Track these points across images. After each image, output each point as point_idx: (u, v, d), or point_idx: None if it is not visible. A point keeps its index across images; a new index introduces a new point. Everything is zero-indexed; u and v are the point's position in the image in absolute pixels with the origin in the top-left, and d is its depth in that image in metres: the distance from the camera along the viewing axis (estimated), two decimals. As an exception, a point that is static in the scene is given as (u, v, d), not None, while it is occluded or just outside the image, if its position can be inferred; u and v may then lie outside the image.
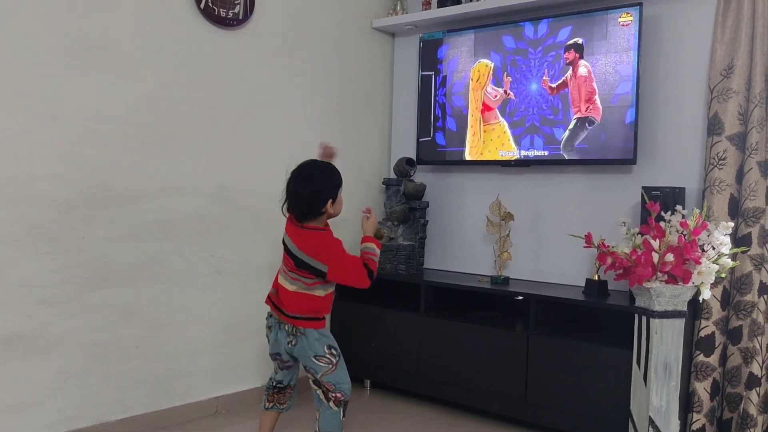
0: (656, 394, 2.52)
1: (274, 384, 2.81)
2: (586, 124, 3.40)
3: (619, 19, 3.27)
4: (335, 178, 2.62)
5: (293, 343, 2.60)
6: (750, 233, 2.89)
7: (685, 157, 3.20)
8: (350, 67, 4.08)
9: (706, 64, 3.11)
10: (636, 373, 2.63)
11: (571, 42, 3.44)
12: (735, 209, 2.96)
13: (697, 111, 3.16)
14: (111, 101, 2.96)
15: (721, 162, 2.97)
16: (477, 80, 3.80)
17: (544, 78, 3.53)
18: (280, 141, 3.66)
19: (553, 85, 3.50)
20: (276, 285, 2.68)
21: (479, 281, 3.63)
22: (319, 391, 2.63)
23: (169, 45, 3.16)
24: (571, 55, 3.45)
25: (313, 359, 2.58)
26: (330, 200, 2.57)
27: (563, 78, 3.47)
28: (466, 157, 3.86)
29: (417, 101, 4.08)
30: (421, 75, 4.03)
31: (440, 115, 3.95)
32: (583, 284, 3.38)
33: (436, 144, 3.97)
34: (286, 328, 2.61)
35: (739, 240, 2.90)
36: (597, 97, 3.35)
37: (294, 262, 2.59)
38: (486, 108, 3.76)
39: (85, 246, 2.89)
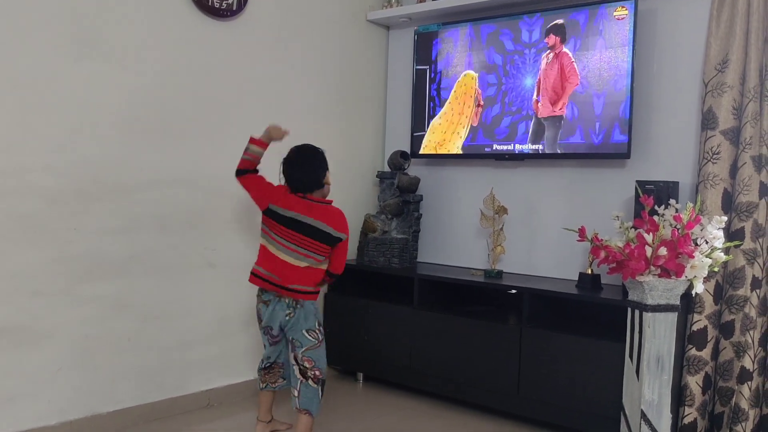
0: (648, 388, 2.52)
1: (263, 365, 2.93)
2: (557, 123, 3.45)
3: (614, 13, 3.26)
4: (321, 151, 2.87)
5: (291, 315, 2.74)
6: (743, 228, 2.90)
7: (679, 152, 3.20)
8: (345, 60, 4.06)
9: (700, 58, 3.10)
10: (628, 366, 2.63)
11: (551, 25, 3.47)
12: (728, 204, 2.97)
13: (692, 105, 3.16)
14: (104, 92, 2.94)
15: (714, 156, 2.97)
16: (463, 92, 3.84)
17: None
18: (273, 133, 3.64)
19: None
20: (269, 263, 2.77)
21: (473, 275, 3.63)
22: (296, 368, 2.77)
23: (163, 36, 3.14)
24: (551, 39, 3.46)
25: (304, 332, 2.76)
26: (327, 171, 2.84)
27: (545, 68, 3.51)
28: (420, 150, 3.97)
29: (411, 94, 4.06)
30: (416, 68, 4.02)
31: (434, 107, 3.94)
32: (577, 278, 3.38)
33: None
34: (286, 301, 2.76)
35: (732, 234, 2.90)
36: (575, 88, 3.39)
37: (309, 237, 2.73)
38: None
39: (77, 238, 2.87)
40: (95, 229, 2.93)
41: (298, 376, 2.78)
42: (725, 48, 2.97)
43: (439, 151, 3.92)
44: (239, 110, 3.48)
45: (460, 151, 3.82)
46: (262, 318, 2.83)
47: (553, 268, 3.60)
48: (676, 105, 3.22)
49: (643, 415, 2.52)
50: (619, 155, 3.28)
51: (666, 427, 2.54)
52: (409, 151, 4.02)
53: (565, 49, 3.43)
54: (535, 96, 3.52)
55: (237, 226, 3.49)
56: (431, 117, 3.96)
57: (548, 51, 3.48)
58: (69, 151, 2.84)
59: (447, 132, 3.88)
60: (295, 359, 2.79)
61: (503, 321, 3.31)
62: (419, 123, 4.01)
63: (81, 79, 2.86)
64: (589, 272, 3.29)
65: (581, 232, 2.75)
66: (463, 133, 3.81)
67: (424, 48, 3.98)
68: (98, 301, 2.96)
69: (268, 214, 2.79)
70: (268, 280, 2.77)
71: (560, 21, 3.43)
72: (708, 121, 2.99)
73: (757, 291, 2.89)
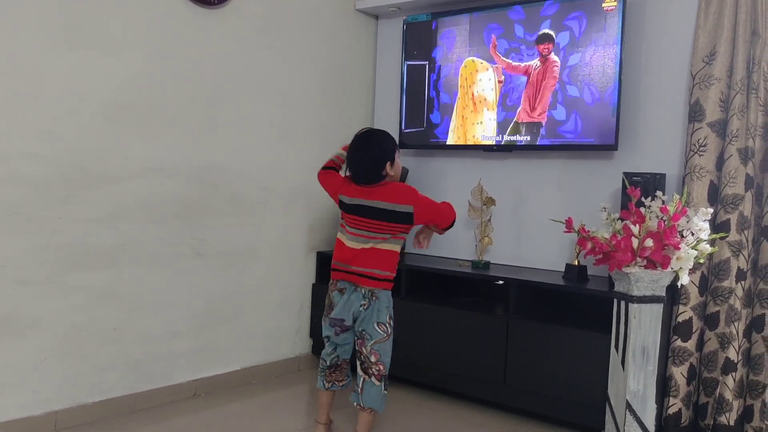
0: (633, 378, 2.53)
1: (329, 363, 2.81)
2: (534, 129, 3.48)
3: (603, 4, 3.26)
4: (391, 141, 2.72)
5: (365, 305, 2.66)
6: (729, 219, 2.91)
7: (666, 144, 3.21)
8: (333, 49, 4.04)
9: (688, 50, 3.11)
10: (614, 357, 2.64)
11: (542, 32, 3.47)
12: (714, 195, 2.98)
13: (679, 98, 3.17)
14: (91, 80, 2.91)
15: (701, 149, 2.98)
16: (467, 76, 3.79)
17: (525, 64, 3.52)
18: (261, 123, 3.63)
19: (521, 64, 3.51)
20: (345, 256, 2.70)
21: (460, 266, 3.64)
22: (359, 362, 2.71)
23: (151, 24, 3.11)
24: (543, 47, 3.47)
25: (375, 325, 2.67)
26: (389, 162, 2.67)
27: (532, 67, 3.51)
28: (448, 141, 3.85)
29: (400, 84, 4.05)
30: (410, 60, 3.99)
31: (434, 97, 3.91)
32: (563, 269, 3.39)
33: (432, 125, 3.93)
34: (363, 291, 2.66)
35: (718, 226, 2.92)
36: (557, 101, 3.42)
37: (372, 218, 2.63)
38: (474, 99, 3.77)
39: (63, 227, 2.85)
40: (82, 218, 2.91)
41: (361, 372, 2.71)
42: (713, 40, 2.98)
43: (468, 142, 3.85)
44: (227, 99, 3.46)
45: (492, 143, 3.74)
46: (334, 306, 2.71)
47: (540, 259, 3.62)
48: (663, 97, 3.23)
49: (628, 406, 2.53)
50: (607, 147, 3.29)
51: (651, 418, 2.56)
52: (398, 141, 4.01)
53: (553, 57, 3.44)
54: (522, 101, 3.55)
55: (225, 216, 3.47)
56: (431, 111, 3.93)
57: (539, 58, 3.50)
58: (55, 139, 2.81)
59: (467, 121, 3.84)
60: (361, 353, 2.71)
61: (490, 312, 3.32)
62: (416, 118, 3.98)
63: (68, 67, 2.84)
64: (576, 263, 3.30)
65: (568, 224, 2.75)
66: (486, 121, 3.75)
67: (419, 38, 3.95)
68: (84, 290, 2.94)
69: (341, 207, 2.72)
70: (341, 270, 2.70)
71: (550, 31, 3.45)
72: (695, 113, 3.00)
73: (742, 282, 2.91)
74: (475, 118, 3.73)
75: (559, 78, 3.41)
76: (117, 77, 3.00)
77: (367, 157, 2.65)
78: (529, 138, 3.53)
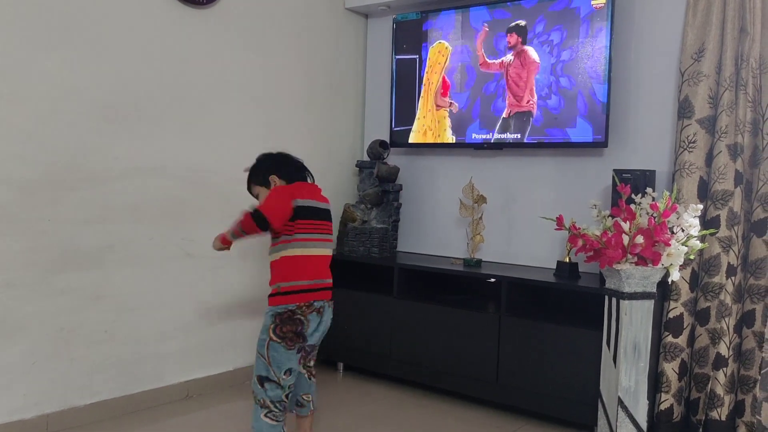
0: (625, 375, 2.53)
1: (287, 402, 2.47)
2: (524, 118, 3.47)
3: (592, 2, 3.26)
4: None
5: (330, 316, 2.53)
6: (718, 216, 2.92)
7: (656, 141, 3.22)
8: (323, 48, 4.03)
9: (677, 47, 3.12)
10: (606, 354, 2.64)
11: (513, 24, 3.49)
12: (704, 192, 2.99)
13: (668, 94, 3.18)
14: (77, 80, 2.89)
15: (691, 145, 2.99)
16: (435, 62, 3.81)
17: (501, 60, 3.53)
18: (250, 122, 3.61)
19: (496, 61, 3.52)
20: (317, 269, 2.48)
21: (452, 264, 3.63)
22: (306, 374, 2.58)
23: (137, 22, 3.09)
24: (513, 38, 3.49)
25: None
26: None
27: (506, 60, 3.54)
28: (409, 140, 3.93)
29: (390, 83, 4.04)
30: (400, 57, 3.98)
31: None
32: (555, 266, 3.40)
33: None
34: (329, 304, 2.53)
35: (708, 222, 2.93)
36: (535, 87, 3.45)
37: (327, 222, 2.55)
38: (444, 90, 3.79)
39: (51, 228, 2.83)
40: (69, 219, 2.89)
41: (310, 380, 2.59)
42: (701, 37, 2.99)
43: (427, 138, 3.88)
44: (215, 99, 3.44)
45: (453, 140, 3.77)
46: (308, 331, 2.41)
47: (531, 256, 3.62)
48: (653, 94, 3.23)
49: (620, 402, 2.54)
50: (597, 144, 3.30)
51: (643, 414, 2.56)
52: (388, 140, 4.01)
53: (526, 47, 3.47)
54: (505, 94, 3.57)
55: (214, 216, 3.45)
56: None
57: (511, 50, 3.51)
58: (42, 141, 2.79)
59: (427, 118, 3.87)
60: (307, 364, 2.56)
61: (482, 310, 3.32)
62: (407, 115, 3.97)
63: (53, 67, 2.81)
64: (567, 261, 3.30)
65: (559, 221, 2.75)
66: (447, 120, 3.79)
67: (413, 37, 3.95)
68: (73, 292, 2.92)
69: (299, 214, 2.43)
70: (317, 288, 2.45)
71: (522, 22, 3.48)
72: (684, 109, 3.01)
73: (732, 278, 2.92)
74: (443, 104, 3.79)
75: (540, 67, 3.42)
76: (103, 77, 2.98)
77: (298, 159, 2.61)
78: (518, 135, 3.52)
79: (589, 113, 3.29)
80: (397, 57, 3.99)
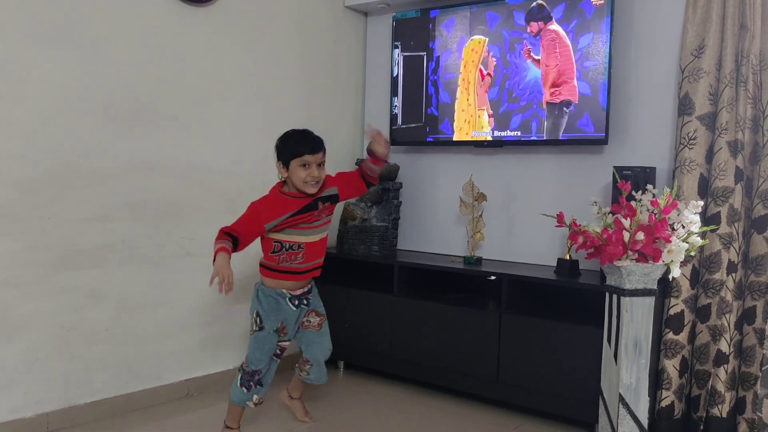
0: (626, 372, 2.54)
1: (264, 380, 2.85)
2: (564, 108, 3.39)
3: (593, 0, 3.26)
4: (286, 146, 2.69)
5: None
6: (719, 212, 2.92)
7: (656, 137, 3.22)
8: (322, 46, 4.03)
9: (677, 44, 3.11)
10: (606, 351, 2.65)
11: (528, 11, 3.44)
12: (704, 188, 2.99)
13: (668, 91, 3.18)
14: (77, 79, 2.89)
15: (691, 142, 2.98)
16: (470, 59, 3.73)
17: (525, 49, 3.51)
18: (249, 120, 3.61)
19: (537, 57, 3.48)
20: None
21: (452, 262, 3.63)
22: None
23: (137, 21, 3.09)
24: (535, 26, 3.44)
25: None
26: (280, 162, 2.68)
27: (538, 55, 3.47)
28: (454, 137, 3.81)
29: (390, 81, 4.04)
30: (408, 54, 3.96)
31: (432, 94, 3.88)
32: (555, 264, 3.40)
33: (436, 120, 3.88)
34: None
35: (709, 219, 2.92)
36: (574, 72, 3.34)
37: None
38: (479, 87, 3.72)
39: (51, 227, 2.83)
40: (69, 218, 2.89)
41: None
42: (702, 34, 2.98)
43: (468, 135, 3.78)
44: (215, 97, 3.44)
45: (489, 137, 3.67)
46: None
47: (532, 254, 3.62)
48: (653, 91, 3.23)
49: (622, 399, 2.54)
50: (597, 141, 3.29)
51: (644, 411, 2.56)
52: (388, 138, 3.99)
53: (553, 27, 3.40)
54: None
55: (214, 215, 3.44)
56: (428, 106, 3.89)
57: (537, 36, 3.46)
58: (42, 139, 2.79)
59: (466, 112, 3.79)
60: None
61: (483, 307, 3.32)
62: (413, 113, 3.95)
63: (53, 66, 2.81)
64: (568, 258, 3.30)
65: (559, 218, 2.75)
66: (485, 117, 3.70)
67: (414, 36, 3.93)
68: (73, 290, 2.92)
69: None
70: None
71: (539, 1, 3.41)
72: (684, 106, 3.01)
73: (733, 275, 2.91)
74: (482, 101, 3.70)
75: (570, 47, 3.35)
76: (104, 76, 2.98)
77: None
78: (554, 122, 3.42)
79: (590, 110, 3.28)
80: (405, 54, 3.96)
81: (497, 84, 3.61)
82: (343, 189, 2.80)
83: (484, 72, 3.66)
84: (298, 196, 2.67)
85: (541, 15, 3.42)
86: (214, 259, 2.48)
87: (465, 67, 3.73)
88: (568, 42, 3.35)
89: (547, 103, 3.42)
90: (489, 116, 3.64)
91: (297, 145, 2.65)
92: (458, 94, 3.76)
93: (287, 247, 2.68)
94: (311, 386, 3.11)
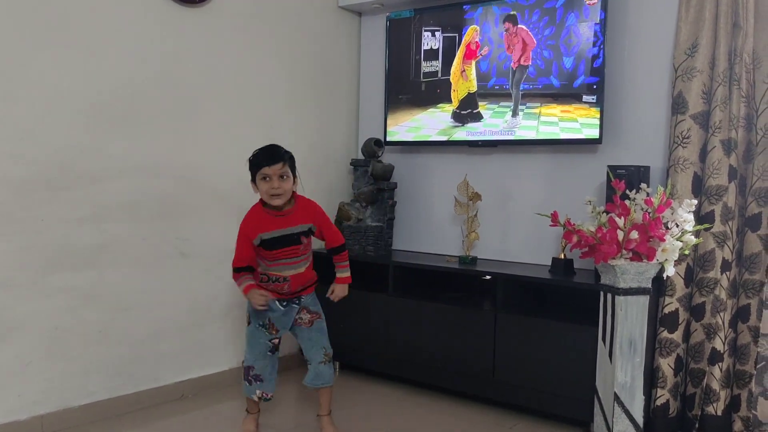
0: (621, 370, 2.53)
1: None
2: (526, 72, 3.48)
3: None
4: (251, 162, 2.71)
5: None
6: (713, 211, 2.93)
7: (650, 136, 3.22)
8: (317, 47, 4.02)
9: (670, 43, 3.12)
10: (601, 349, 2.64)
11: (505, 15, 3.51)
12: (698, 187, 3.00)
13: (662, 90, 3.18)
14: (70, 79, 2.88)
15: (685, 141, 2.99)
16: (467, 47, 3.74)
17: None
18: (244, 121, 3.61)
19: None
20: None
21: (447, 261, 3.63)
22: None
23: (131, 22, 3.08)
24: (509, 25, 3.51)
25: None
26: (252, 180, 2.74)
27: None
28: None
29: (384, 81, 4.04)
30: (394, 56, 3.97)
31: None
32: (550, 263, 3.40)
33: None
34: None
35: (703, 217, 2.93)
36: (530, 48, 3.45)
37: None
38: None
39: (45, 228, 2.82)
40: (63, 219, 2.88)
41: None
42: (695, 32, 2.99)
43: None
44: (209, 97, 3.44)
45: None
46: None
47: (526, 253, 3.62)
48: (646, 90, 3.23)
49: (617, 398, 2.54)
50: (591, 140, 3.30)
51: (639, 409, 2.56)
52: (383, 138, 4.01)
53: (520, 25, 3.47)
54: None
55: (209, 216, 3.45)
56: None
57: (506, 33, 3.52)
58: (36, 140, 2.78)
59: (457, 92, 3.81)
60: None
61: (478, 307, 3.32)
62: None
63: (48, 67, 2.80)
64: (562, 257, 3.31)
65: (554, 217, 2.75)
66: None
67: (407, 36, 3.92)
68: (68, 292, 2.91)
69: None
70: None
71: (512, 12, 3.49)
72: (678, 105, 3.01)
73: (727, 273, 2.92)
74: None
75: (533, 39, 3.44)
76: (98, 76, 2.97)
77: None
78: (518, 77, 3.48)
79: (583, 108, 3.29)
80: (391, 57, 3.97)
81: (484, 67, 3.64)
82: (319, 233, 2.88)
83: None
84: (274, 213, 2.73)
85: (512, 20, 3.50)
86: (246, 295, 2.71)
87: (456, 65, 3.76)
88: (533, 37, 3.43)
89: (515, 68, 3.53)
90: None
91: (256, 159, 2.70)
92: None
93: (273, 279, 2.79)
94: (315, 392, 3.00)
